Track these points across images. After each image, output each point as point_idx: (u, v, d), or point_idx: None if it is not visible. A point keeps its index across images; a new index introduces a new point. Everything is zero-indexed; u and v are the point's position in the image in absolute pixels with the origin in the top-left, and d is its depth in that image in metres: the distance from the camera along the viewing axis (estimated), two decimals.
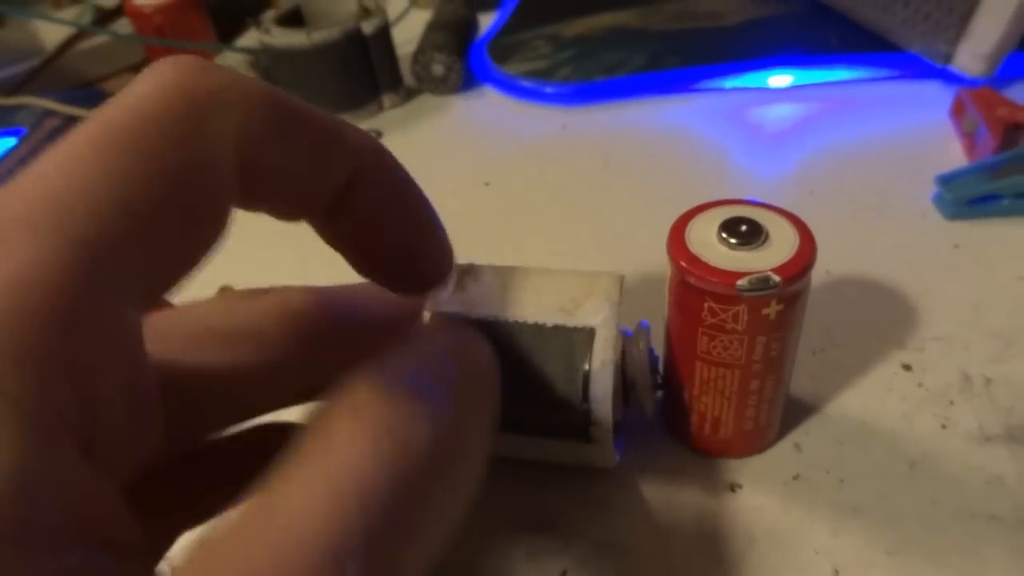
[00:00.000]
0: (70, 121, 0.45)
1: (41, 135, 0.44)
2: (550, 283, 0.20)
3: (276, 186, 0.13)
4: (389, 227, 0.16)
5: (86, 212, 0.10)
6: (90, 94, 0.50)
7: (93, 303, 0.10)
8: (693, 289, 0.19)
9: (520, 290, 0.20)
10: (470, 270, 0.21)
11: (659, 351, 0.22)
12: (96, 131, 0.11)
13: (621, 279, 0.20)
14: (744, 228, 0.19)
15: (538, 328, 0.19)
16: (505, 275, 0.20)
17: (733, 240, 0.19)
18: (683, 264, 0.19)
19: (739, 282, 0.18)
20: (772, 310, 0.19)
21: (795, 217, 0.20)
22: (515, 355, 0.19)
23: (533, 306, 0.20)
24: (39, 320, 0.09)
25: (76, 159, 0.11)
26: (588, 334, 0.19)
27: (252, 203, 0.13)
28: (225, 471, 0.18)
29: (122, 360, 0.11)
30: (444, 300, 0.20)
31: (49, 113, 0.46)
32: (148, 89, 0.12)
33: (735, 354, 0.20)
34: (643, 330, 0.21)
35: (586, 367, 0.19)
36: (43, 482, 0.09)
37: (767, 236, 0.19)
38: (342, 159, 0.14)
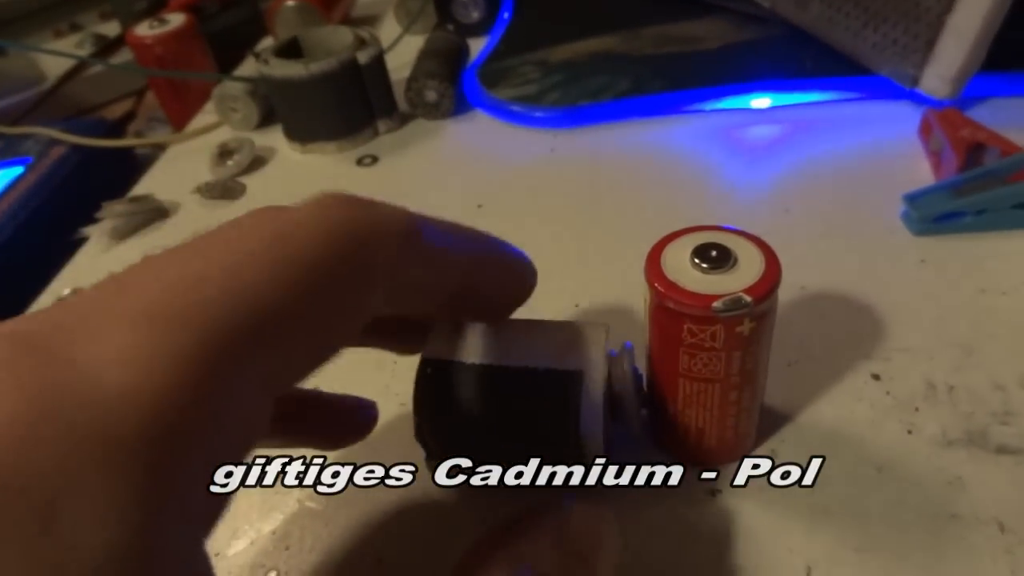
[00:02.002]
0: (75, 150, 0.47)
1: (47, 163, 0.46)
2: (539, 332, 0.22)
3: (406, 297, 0.16)
4: (498, 298, 0.21)
5: (233, 311, 0.11)
6: (93, 122, 0.52)
7: (219, 392, 0.11)
8: (672, 312, 0.21)
9: (511, 339, 0.22)
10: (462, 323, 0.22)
11: (642, 368, 0.24)
12: (273, 238, 0.13)
13: (607, 329, 0.22)
14: (715, 253, 0.21)
15: (530, 371, 0.21)
16: (497, 326, 0.22)
17: (705, 265, 0.21)
18: (661, 289, 0.21)
19: (714, 304, 0.20)
20: (746, 327, 0.20)
21: (760, 241, 0.22)
22: (507, 398, 0.21)
23: (524, 352, 0.21)
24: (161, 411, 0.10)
25: (247, 258, 0.12)
26: (578, 376, 0.21)
27: (389, 309, 0.16)
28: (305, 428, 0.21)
29: (244, 436, 0.12)
30: (438, 349, 0.22)
31: (55, 142, 0.47)
32: (317, 214, 0.14)
33: (714, 369, 0.21)
34: (627, 351, 0.23)
35: (578, 408, 0.21)
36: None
37: (736, 260, 0.21)
38: (458, 265, 0.18)
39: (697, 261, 0.21)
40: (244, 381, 0.12)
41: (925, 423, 0.25)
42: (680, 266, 0.21)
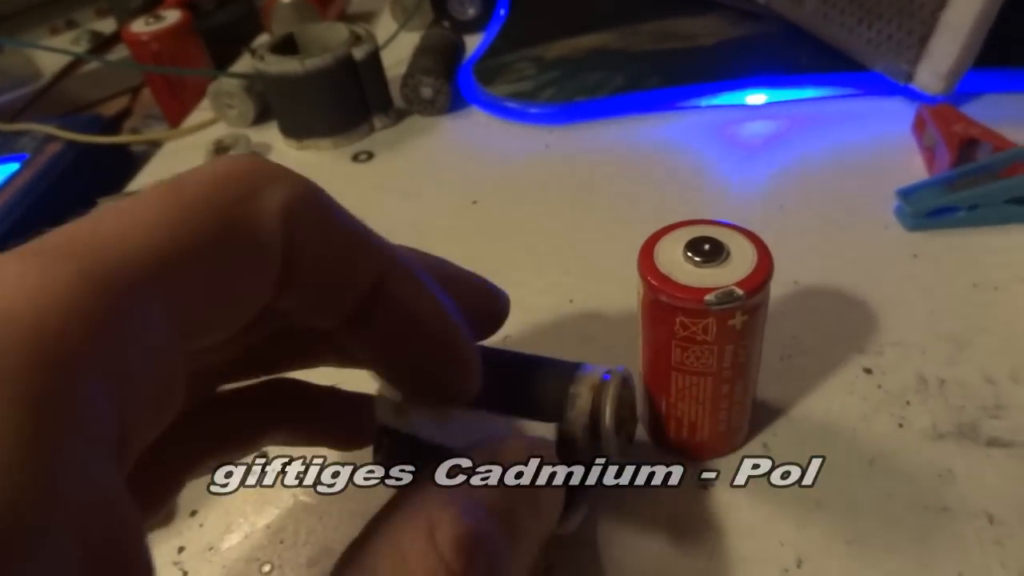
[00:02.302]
0: (72, 146, 0.47)
1: (43, 159, 0.46)
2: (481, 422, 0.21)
3: (311, 274, 0.15)
4: (411, 341, 0.17)
5: (119, 252, 0.12)
6: (89, 119, 0.52)
7: (114, 324, 0.11)
8: (665, 306, 0.21)
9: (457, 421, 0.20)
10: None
11: (635, 365, 0.24)
12: (165, 188, 0.13)
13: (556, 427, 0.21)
14: (707, 247, 0.21)
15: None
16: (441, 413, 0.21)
17: (698, 258, 0.21)
18: (654, 283, 0.21)
19: (707, 297, 0.20)
20: (738, 320, 0.21)
21: (753, 234, 0.22)
22: None
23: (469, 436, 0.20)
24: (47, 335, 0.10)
25: (139, 203, 0.13)
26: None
27: (288, 295, 0.15)
28: (231, 424, 0.20)
29: (149, 368, 0.12)
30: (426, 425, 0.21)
31: (51, 138, 0.47)
32: (215, 167, 0.14)
33: (706, 363, 0.22)
34: (608, 382, 0.21)
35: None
36: (51, 483, 0.10)
37: (728, 253, 0.21)
38: (370, 258, 0.16)
39: (690, 255, 0.21)
40: (140, 311, 0.12)
41: (916, 416, 0.25)
42: (673, 260, 0.21)
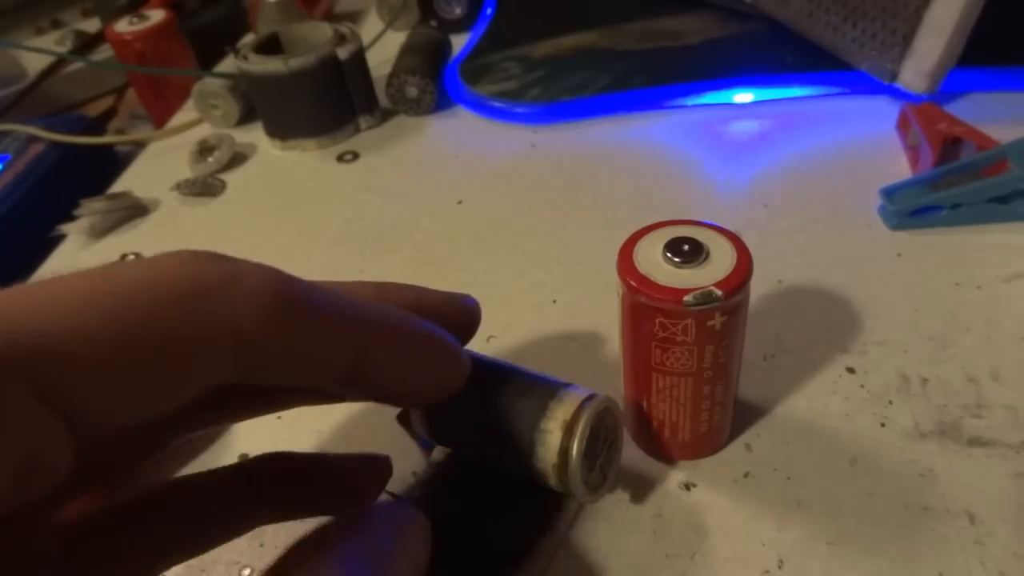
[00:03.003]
0: (54, 147, 0.46)
1: (26, 160, 0.45)
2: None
3: (278, 367, 0.14)
4: (408, 383, 0.17)
5: (29, 325, 0.11)
6: (73, 119, 0.51)
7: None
8: (644, 307, 0.21)
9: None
10: None
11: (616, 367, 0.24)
12: (110, 274, 0.12)
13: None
14: (686, 248, 0.21)
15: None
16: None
17: (677, 259, 0.21)
18: (633, 284, 0.21)
19: (685, 298, 0.20)
20: (717, 321, 0.20)
21: (733, 235, 0.22)
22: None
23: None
24: None
25: (74, 284, 0.12)
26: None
27: (255, 378, 0.14)
28: (205, 515, 0.18)
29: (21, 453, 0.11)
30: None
31: (33, 139, 0.47)
32: (167, 258, 0.13)
33: (686, 363, 0.21)
34: (578, 417, 0.20)
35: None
36: None
37: (708, 254, 0.21)
38: (344, 342, 0.15)
39: (669, 255, 0.21)
40: (18, 392, 0.11)
41: (899, 416, 0.25)
42: (652, 260, 0.21)
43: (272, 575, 0.15)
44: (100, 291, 0.12)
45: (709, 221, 0.22)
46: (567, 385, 0.21)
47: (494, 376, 0.22)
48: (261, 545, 0.24)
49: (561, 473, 0.20)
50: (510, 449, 0.21)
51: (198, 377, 0.13)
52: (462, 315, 0.21)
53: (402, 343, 0.17)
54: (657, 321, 0.21)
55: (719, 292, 0.20)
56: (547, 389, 0.21)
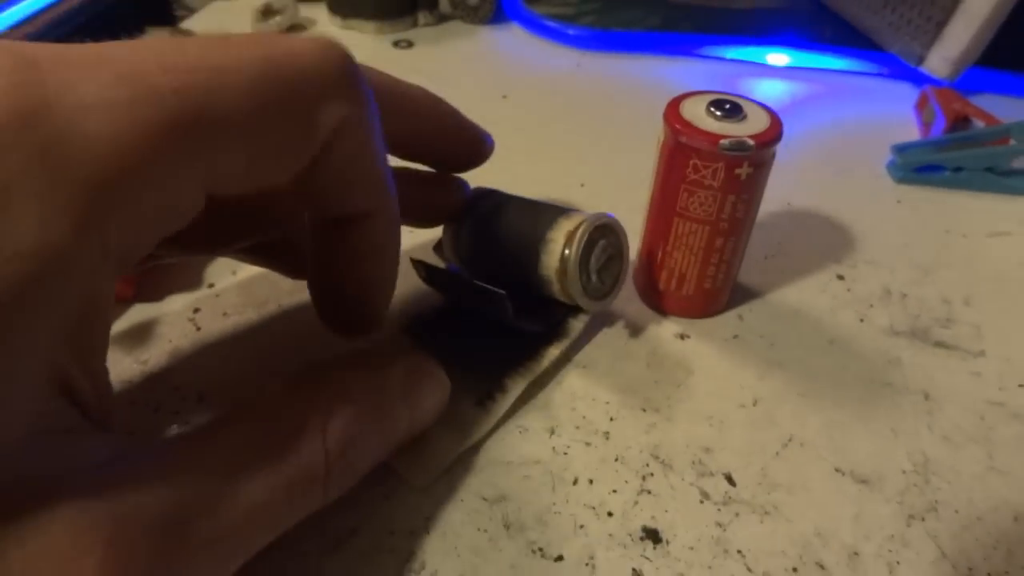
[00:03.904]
0: None
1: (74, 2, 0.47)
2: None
3: (320, 182, 0.17)
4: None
5: (202, 100, 0.13)
6: None
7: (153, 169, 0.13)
8: (683, 147, 0.23)
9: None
10: None
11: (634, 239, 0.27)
12: (264, 52, 0.15)
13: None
14: (728, 106, 0.24)
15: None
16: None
17: (719, 113, 0.23)
18: (678, 127, 0.23)
19: (721, 141, 0.23)
20: (744, 171, 0.23)
21: (769, 107, 0.24)
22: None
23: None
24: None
25: (232, 62, 0.14)
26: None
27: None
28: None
29: (170, 212, 0.14)
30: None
31: None
32: (313, 51, 0.15)
33: (708, 210, 0.24)
34: (579, 228, 0.23)
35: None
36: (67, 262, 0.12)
37: (746, 115, 0.24)
38: (370, 197, 0.18)
39: (712, 110, 0.24)
40: (188, 165, 0.13)
41: (877, 316, 0.28)
42: (696, 113, 0.24)
43: (282, 396, 0.17)
44: (264, 72, 0.14)
45: (750, 96, 0.25)
46: (569, 211, 0.24)
47: (517, 202, 0.25)
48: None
49: (561, 277, 0.23)
50: (521, 261, 0.24)
51: (308, 148, 0.16)
52: (475, 142, 0.24)
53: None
54: (691, 163, 0.23)
55: (751, 142, 0.23)
56: (559, 210, 0.24)
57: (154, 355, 0.25)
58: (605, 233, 0.24)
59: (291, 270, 0.25)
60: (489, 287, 0.22)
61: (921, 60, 0.43)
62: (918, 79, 0.44)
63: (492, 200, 0.25)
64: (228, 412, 0.16)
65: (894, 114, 0.43)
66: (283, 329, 0.26)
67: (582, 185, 0.35)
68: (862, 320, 0.28)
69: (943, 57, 0.42)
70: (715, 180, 0.23)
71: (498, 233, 0.24)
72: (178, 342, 0.25)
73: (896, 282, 0.30)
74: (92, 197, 0.12)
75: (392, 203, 0.19)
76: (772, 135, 0.23)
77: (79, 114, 0.12)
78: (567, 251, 0.23)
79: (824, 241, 0.32)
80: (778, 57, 0.46)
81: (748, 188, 0.24)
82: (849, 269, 0.30)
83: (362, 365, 0.19)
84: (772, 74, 0.46)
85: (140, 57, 0.13)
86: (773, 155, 0.24)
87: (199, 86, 0.13)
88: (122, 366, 0.24)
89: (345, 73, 0.16)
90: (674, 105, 0.24)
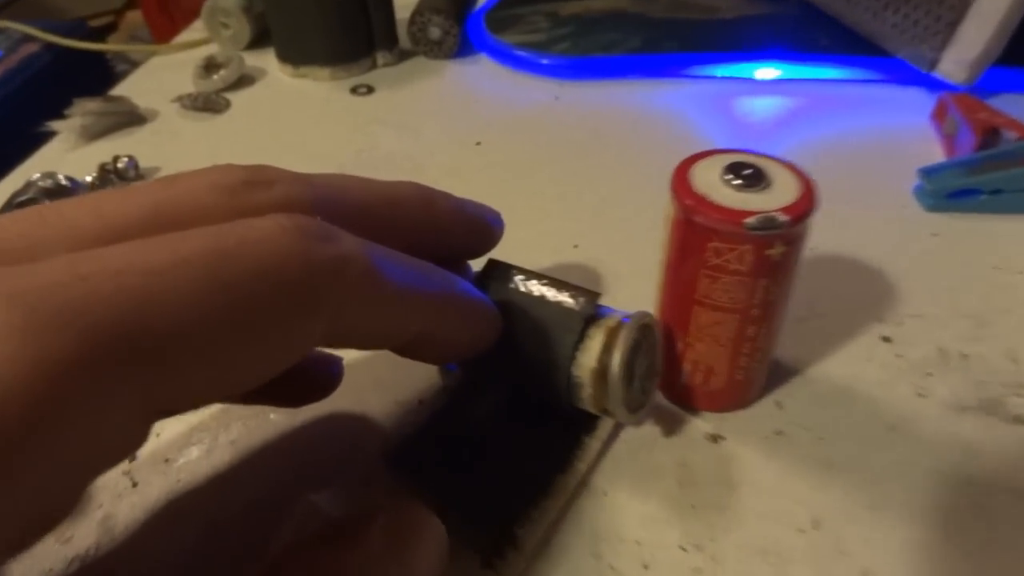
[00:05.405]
0: (48, 49, 0.44)
1: (16, 59, 0.43)
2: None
3: (352, 342, 0.15)
4: (454, 348, 0.18)
5: (134, 321, 0.10)
6: (71, 25, 0.49)
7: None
8: (699, 228, 0.19)
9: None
10: None
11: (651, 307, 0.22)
12: (212, 250, 0.12)
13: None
14: (748, 171, 0.19)
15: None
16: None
17: (738, 181, 0.19)
18: (689, 203, 0.19)
19: (747, 220, 0.18)
20: (776, 251, 0.19)
21: (795, 166, 0.20)
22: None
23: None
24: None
25: (178, 265, 0.11)
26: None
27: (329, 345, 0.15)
28: None
29: (98, 455, 0.11)
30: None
31: (27, 39, 0.44)
32: (273, 237, 0.12)
33: (735, 297, 0.20)
34: (620, 327, 0.19)
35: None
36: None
37: (770, 180, 0.19)
38: (416, 321, 0.16)
39: (728, 178, 0.19)
40: (117, 401, 0.10)
41: (937, 387, 0.24)
42: (710, 182, 0.20)
43: None
44: (214, 275, 0.11)
45: (767, 152, 0.21)
46: (602, 306, 0.20)
47: (534, 283, 0.20)
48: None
49: (598, 381, 0.19)
50: (541, 358, 0.19)
51: (292, 355, 0.13)
52: (487, 229, 0.22)
53: (456, 315, 0.17)
54: (711, 246, 0.19)
55: (784, 217, 0.18)
56: (586, 293, 0.20)
57: (80, 530, 0.20)
58: (647, 334, 0.20)
59: (293, 400, 0.21)
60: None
61: (934, 64, 0.39)
62: (929, 83, 0.40)
63: (502, 280, 0.21)
64: None
65: (908, 126, 0.38)
66: (235, 471, 0.22)
67: (575, 246, 0.30)
68: (920, 395, 0.24)
69: (958, 60, 0.38)
70: (742, 264, 0.19)
71: (513, 323, 0.20)
72: (110, 507, 0.21)
73: (950, 339, 0.26)
74: None
75: (438, 293, 0.17)
76: (806, 206, 0.19)
77: None
78: (614, 353, 0.19)
79: (859, 293, 0.28)
80: (772, 71, 0.42)
81: (782, 268, 0.20)
82: (895, 328, 0.26)
83: (330, 541, 0.15)
84: (767, 90, 0.42)
85: (45, 267, 0.10)
86: (808, 228, 0.20)
87: (118, 304, 0.10)
88: (43, 548, 0.20)
89: (321, 257, 0.13)
90: (681, 173, 0.20)
